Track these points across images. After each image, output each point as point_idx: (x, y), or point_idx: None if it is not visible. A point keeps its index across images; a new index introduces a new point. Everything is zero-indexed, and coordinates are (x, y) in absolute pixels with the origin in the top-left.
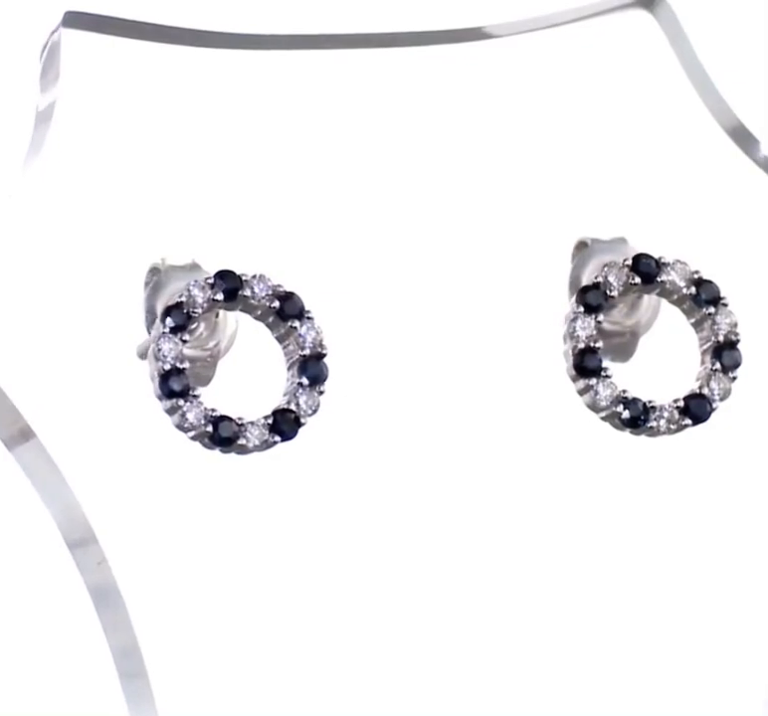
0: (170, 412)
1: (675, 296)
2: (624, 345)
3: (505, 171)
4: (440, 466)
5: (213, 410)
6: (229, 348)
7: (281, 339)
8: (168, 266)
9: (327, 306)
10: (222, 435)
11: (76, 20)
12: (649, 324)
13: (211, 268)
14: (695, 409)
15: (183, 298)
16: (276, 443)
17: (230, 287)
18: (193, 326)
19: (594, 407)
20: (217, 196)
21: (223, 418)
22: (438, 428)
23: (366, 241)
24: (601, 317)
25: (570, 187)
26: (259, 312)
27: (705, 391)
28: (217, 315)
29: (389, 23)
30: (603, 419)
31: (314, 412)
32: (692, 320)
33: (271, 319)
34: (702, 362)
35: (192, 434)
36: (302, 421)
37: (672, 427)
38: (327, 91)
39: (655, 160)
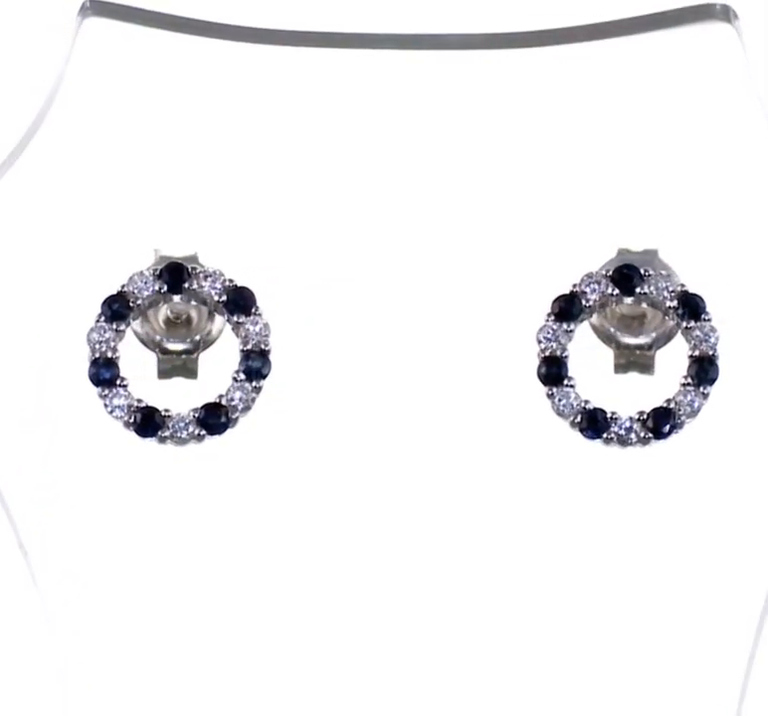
0: (100, 399)
1: (662, 309)
2: (650, 359)
3: (551, 173)
4: (417, 468)
5: (139, 400)
6: (216, 339)
7: (235, 333)
8: (160, 256)
9: (322, 304)
10: (144, 425)
11: (94, 7)
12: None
13: (211, 260)
14: (657, 422)
15: (126, 288)
16: (202, 436)
17: (174, 280)
18: (184, 317)
19: (557, 414)
20: (221, 189)
21: (147, 408)
22: (415, 430)
23: (367, 241)
24: (572, 326)
25: (623, 193)
26: (211, 306)
27: (671, 405)
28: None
29: (450, 24)
30: (570, 426)
31: (247, 407)
32: (681, 333)
33: (225, 314)
34: None
35: (121, 422)
36: (232, 415)
37: (631, 438)
38: (354, 89)
39: (711, 172)
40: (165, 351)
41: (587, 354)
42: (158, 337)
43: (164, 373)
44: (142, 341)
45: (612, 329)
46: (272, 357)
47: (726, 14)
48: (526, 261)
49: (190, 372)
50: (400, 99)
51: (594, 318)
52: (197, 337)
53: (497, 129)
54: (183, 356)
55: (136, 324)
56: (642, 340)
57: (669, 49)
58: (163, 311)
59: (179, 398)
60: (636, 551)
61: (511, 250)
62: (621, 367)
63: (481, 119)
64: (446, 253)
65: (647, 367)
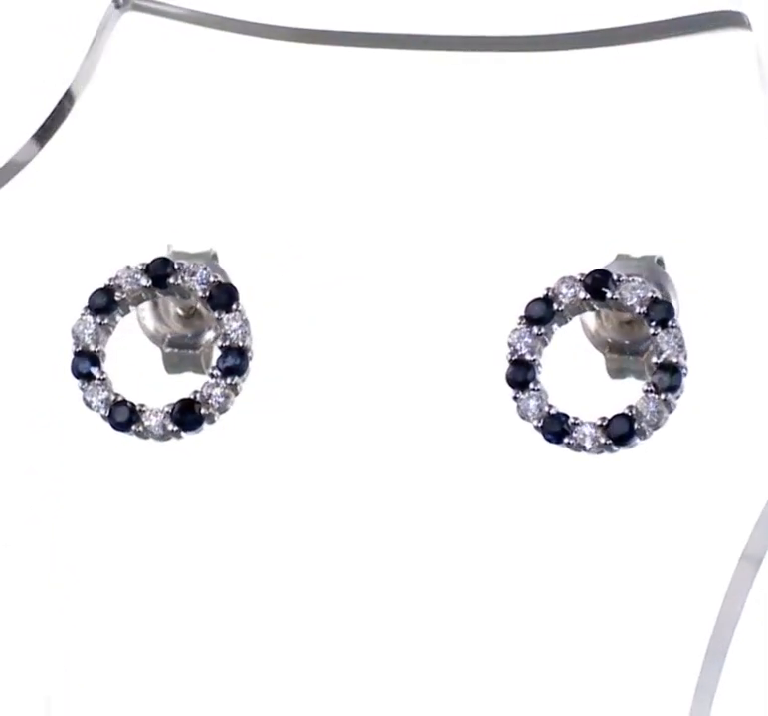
0: (80, 392)
1: (632, 315)
2: (642, 364)
3: (556, 177)
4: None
5: (117, 394)
6: None
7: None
8: (173, 252)
9: (324, 305)
10: (118, 419)
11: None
12: None
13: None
14: (615, 428)
15: (112, 282)
16: (174, 431)
17: (158, 275)
18: (192, 311)
19: (521, 418)
20: (247, 187)
21: (121, 403)
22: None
23: (375, 243)
24: (543, 330)
25: (631, 199)
26: (196, 302)
27: (632, 411)
28: None
29: (465, 27)
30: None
31: (222, 404)
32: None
33: (208, 310)
34: None
35: (99, 415)
36: (205, 410)
37: (592, 444)
38: (375, 89)
39: (719, 180)
40: (178, 346)
41: (580, 359)
42: (171, 333)
43: (172, 367)
44: (152, 337)
45: (609, 337)
46: (271, 357)
47: (739, 21)
48: (526, 265)
49: (198, 367)
50: (414, 102)
51: (591, 323)
52: (211, 330)
53: (504, 133)
54: (191, 351)
55: (147, 321)
56: (637, 346)
57: (678, 55)
58: (172, 307)
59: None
60: (599, 556)
61: (510, 253)
62: (614, 372)
63: (488, 123)
64: (443, 256)
65: (640, 373)
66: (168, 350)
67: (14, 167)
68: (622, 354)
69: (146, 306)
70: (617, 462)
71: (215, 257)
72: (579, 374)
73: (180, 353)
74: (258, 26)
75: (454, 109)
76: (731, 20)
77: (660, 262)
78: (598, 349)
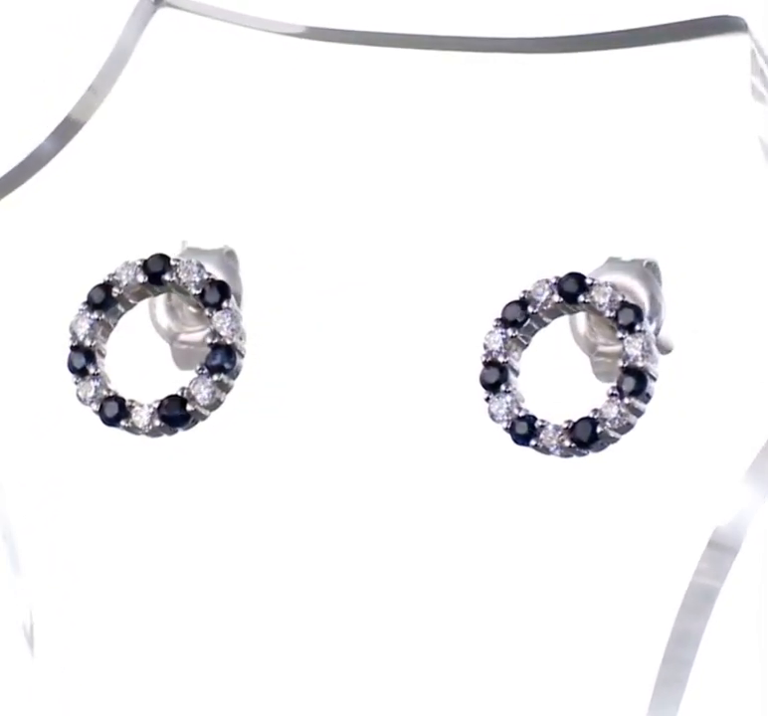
0: (75, 386)
1: (602, 318)
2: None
3: (554, 180)
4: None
5: (109, 390)
6: None
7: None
8: (187, 248)
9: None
10: (106, 415)
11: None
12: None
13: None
14: (579, 432)
15: (110, 278)
16: (161, 427)
17: (154, 271)
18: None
19: (491, 419)
20: (254, 190)
21: (111, 398)
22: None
23: (380, 248)
24: (518, 332)
25: (630, 203)
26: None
27: (596, 415)
28: None
29: (461, 28)
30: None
31: (208, 401)
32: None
33: (202, 307)
34: None
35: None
36: (191, 407)
37: (556, 447)
38: (388, 90)
39: (719, 187)
40: (189, 342)
41: (568, 362)
42: (184, 329)
43: (182, 364)
44: (164, 334)
45: (598, 341)
46: (274, 361)
47: (738, 26)
48: (530, 268)
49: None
50: (423, 105)
51: (580, 327)
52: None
53: (503, 135)
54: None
55: (160, 318)
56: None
57: (677, 60)
58: (184, 303)
59: None
60: (570, 553)
61: (513, 258)
62: (602, 376)
63: (488, 125)
64: (438, 259)
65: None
66: (179, 346)
67: (37, 160)
68: (610, 358)
69: (159, 302)
70: (587, 465)
71: (230, 254)
72: (567, 377)
73: (190, 349)
74: (294, 27)
75: (452, 111)
76: (731, 25)
77: (650, 265)
78: (586, 352)
